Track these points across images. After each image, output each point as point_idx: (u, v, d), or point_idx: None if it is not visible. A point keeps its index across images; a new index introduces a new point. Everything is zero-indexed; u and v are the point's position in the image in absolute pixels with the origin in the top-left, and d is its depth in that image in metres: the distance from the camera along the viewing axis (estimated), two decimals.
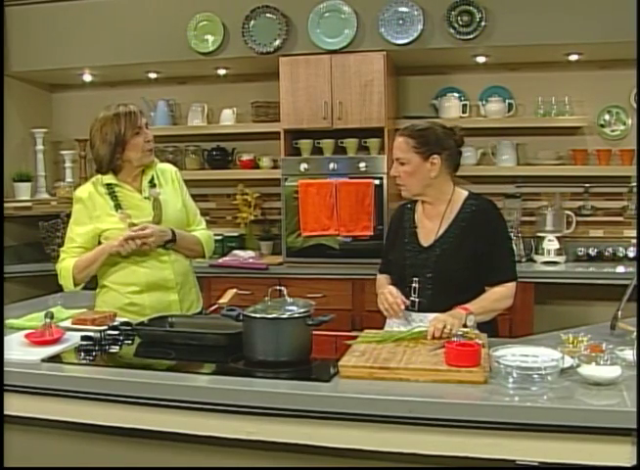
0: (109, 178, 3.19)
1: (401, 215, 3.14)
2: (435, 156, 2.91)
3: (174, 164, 4.43)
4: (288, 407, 2.13)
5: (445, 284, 2.88)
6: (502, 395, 2.07)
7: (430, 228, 3.00)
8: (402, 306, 2.83)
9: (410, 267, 2.96)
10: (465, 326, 2.63)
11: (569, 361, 2.21)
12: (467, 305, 2.74)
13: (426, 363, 2.25)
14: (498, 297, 2.90)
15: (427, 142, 2.92)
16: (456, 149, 3.01)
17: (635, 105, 5.03)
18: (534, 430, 1.97)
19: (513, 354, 2.24)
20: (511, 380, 2.12)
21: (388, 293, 2.86)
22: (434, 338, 2.52)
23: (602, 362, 2.14)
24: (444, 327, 2.54)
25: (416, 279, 2.92)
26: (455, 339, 2.31)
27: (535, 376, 2.10)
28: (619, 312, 2.68)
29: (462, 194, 3.02)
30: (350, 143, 5.10)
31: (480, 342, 2.31)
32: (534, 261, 5.00)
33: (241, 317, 2.44)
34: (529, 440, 1.98)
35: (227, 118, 5.50)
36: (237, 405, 2.17)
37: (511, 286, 2.94)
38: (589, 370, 2.12)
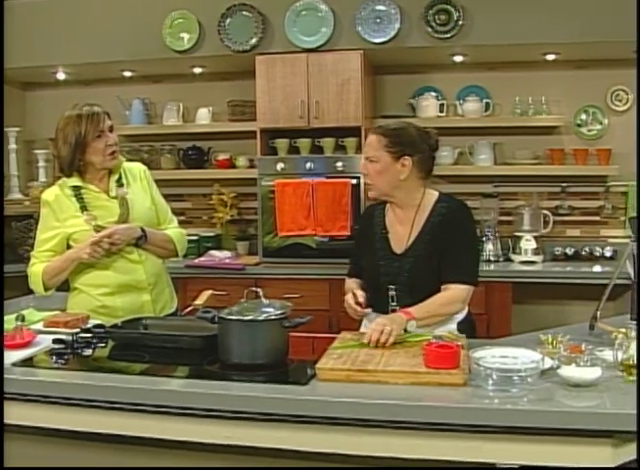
0: (74, 180, 3.14)
1: (371, 218, 3.07)
2: (407, 157, 2.84)
3: (149, 163, 4.41)
4: (265, 411, 2.10)
5: (422, 290, 2.81)
6: (482, 397, 2.06)
7: (401, 234, 2.93)
8: (366, 310, 2.82)
9: (385, 276, 2.90)
10: (405, 331, 2.58)
11: (549, 362, 2.20)
12: (410, 310, 2.67)
13: (404, 365, 2.23)
14: (446, 301, 2.80)
15: (399, 142, 2.85)
16: (429, 153, 2.93)
17: (613, 104, 5.06)
18: (515, 432, 1.96)
19: (492, 356, 2.22)
20: (491, 382, 2.10)
21: (348, 298, 2.84)
22: (371, 343, 2.47)
23: (582, 363, 2.13)
24: (383, 330, 2.48)
25: (392, 287, 2.86)
26: (434, 340, 2.28)
27: (515, 378, 2.08)
28: (599, 312, 2.67)
29: (432, 197, 2.94)
30: (327, 142, 5.08)
31: (460, 343, 2.29)
32: (512, 261, 4.99)
33: (216, 319, 2.41)
34: (510, 442, 1.97)
35: (203, 118, 5.46)
36: (213, 410, 2.13)
37: (464, 289, 2.83)
38: (569, 371, 2.10)
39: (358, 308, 2.81)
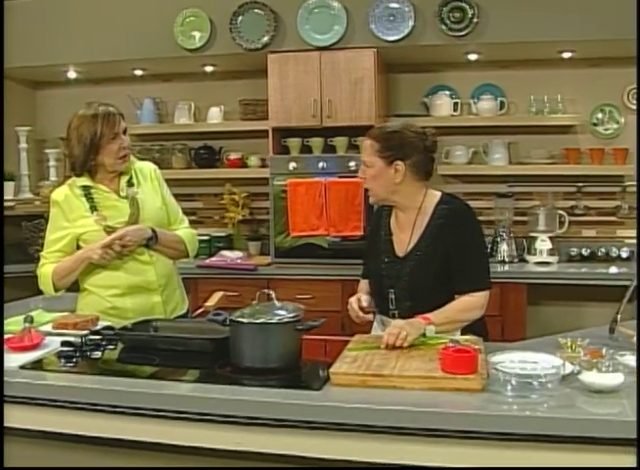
0: (84, 180, 3.10)
1: (379, 220, 3.02)
2: (399, 162, 2.77)
3: (160, 162, 4.38)
4: (277, 417, 2.05)
5: (422, 294, 2.77)
6: (500, 403, 2.00)
7: (403, 238, 2.88)
8: (367, 316, 2.82)
9: (387, 278, 2.86)
10: (424, 336, 2.52)
11: (569, 368, 2.14)
12: (429, 315, 2.61)
13: (420, 370, 2.17)
14: (464, 307, 2.74)
15: (391, 147, 2.78)
16: (426, 155, 2.84)
17: (630, 103, 5.00)
18: (534, 440, 1.90)
19: (511, 361, 2.17)
20: (509, 388, 2.04)
21: (352, 301, 2.87)
22: (388, 346, 2.42)
23: (604, 369, 2.07)
24: (399, 333, 2.44)
25: (392, 290, 2.83)
26: (451, 344, 2.23)
27: (535, 384, 2.02)
28: (619, 316, 2.60)
29: (434, 199, 2.86)
30: (340, 141, 5.03)
31: (477, 347, 2.24)
32: (527, 262, 4.94)
33: (227, 322, 2.36)
34: (529, 450, 1.91)
35: (214, 117, 5.43)
36: (224, 415, 2.09)
37: (481, 296, 2.76)
38: (591, 377, 2.04)
39: (360, 313, 2.80)
